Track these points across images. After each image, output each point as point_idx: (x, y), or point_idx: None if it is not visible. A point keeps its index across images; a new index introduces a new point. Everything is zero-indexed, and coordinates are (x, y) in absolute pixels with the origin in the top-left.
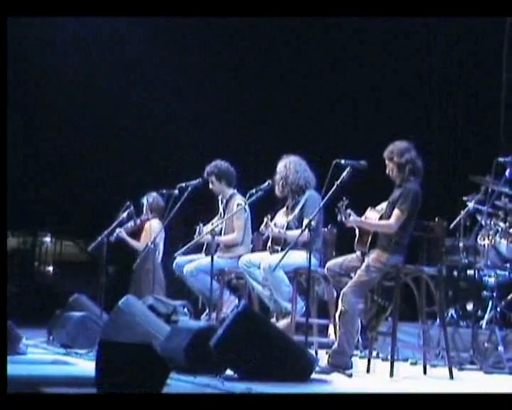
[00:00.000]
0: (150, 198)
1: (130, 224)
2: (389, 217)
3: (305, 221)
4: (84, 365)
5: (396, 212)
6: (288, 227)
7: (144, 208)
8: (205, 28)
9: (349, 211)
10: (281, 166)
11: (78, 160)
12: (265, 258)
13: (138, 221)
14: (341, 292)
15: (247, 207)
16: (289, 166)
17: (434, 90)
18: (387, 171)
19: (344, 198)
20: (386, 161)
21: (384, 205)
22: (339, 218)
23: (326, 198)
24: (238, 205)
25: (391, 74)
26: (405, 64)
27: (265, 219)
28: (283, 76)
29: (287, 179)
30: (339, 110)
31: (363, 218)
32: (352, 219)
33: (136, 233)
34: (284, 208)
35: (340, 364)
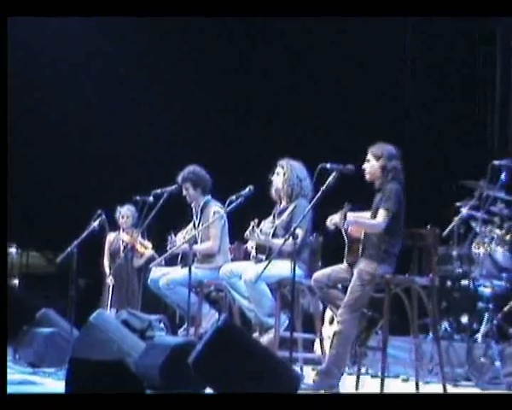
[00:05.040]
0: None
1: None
2: None
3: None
4: (52, 385)
5: (380, 211)
6: (274, 235)
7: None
8: (194, 29)
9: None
10: (285, 169)
11: (43, 163)
12: (248, 268)
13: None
14: (338, 312)
15: (224, 214)
16: (293, 170)
17: (424, 90)
18: (366, 168)
19: (347, 203)
20: (371, 159)
21: (368, 215)
22: (337, 223)
23: (311, 205)
24: (215, 213)
25: (377, 75)
26: (392, 63)
27: (252, 224)
28: (265, 74)
29: (289, 182)
30: (321, 110)
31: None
32: (349, 221)
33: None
34: (271, 217)
35: (326, 386)
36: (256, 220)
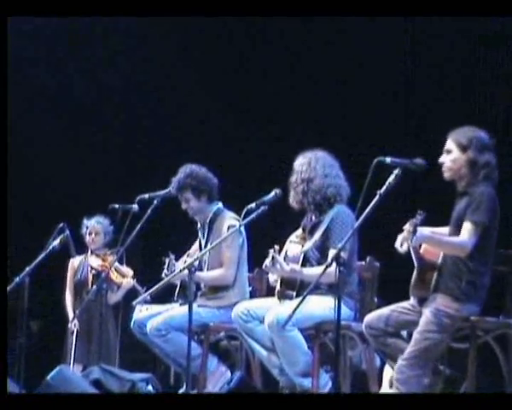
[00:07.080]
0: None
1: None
2: None
3: (332, 252)
4: None
5: (466, 225)
6: (306, 260)
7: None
8: (194, 29)
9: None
10: (302, 163)
11: (44, 163)
12: (272, 308)
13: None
14: (396, 366)
15: (242, 229)
16: (316, 165)
17: (424, 90)
18: (446, 162)
19: (420, 212)
20: (454, 150)
21: (445, 230)
22: (404, 239)
23: (364, 215)
24: (229, 227)
25: (377, 75)
26: (392, 63)
27: (271, 253)
28: (265, 74)
29: (310, 184)
30: (321, 110)
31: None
32: (420, 236)
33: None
34: (299, 231)
35: None
36: (277, 247)
